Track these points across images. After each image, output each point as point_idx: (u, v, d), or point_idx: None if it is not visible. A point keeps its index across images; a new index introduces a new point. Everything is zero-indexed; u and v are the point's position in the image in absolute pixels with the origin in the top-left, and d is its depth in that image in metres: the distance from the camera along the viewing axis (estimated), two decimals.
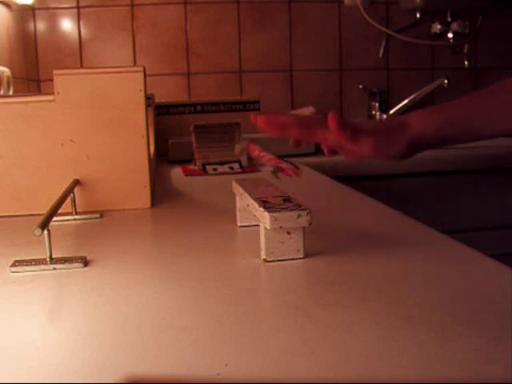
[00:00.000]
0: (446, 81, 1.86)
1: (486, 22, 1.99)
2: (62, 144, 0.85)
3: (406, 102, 1.88)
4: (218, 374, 0.38)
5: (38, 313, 0.50)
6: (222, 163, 1.23)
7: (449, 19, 1.95)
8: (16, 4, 1.63)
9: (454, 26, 1.94)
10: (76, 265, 0.62)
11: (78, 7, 1.81)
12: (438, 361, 0.39)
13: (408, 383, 0.37)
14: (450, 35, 1.96)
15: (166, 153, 1.38)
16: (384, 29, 1.96)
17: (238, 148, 0.97)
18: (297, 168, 0.73)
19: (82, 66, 1.81)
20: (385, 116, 1.89)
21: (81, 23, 1.82)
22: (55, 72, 0.85)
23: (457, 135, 0.88)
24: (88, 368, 0.40)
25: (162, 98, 1.58)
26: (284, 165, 0.73)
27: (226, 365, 0.39)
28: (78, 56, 1.82)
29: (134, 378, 0.38)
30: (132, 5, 1.83)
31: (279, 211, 0.59)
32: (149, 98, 1.33)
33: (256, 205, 0.62)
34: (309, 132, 0.79)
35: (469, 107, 0.90)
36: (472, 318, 0.46)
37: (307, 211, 0.59)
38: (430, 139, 0.85)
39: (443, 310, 0.48)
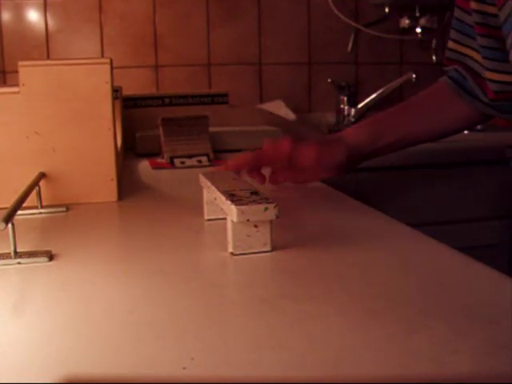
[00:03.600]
0: (414, 75, 1.88)
1: (453, 17, 2.00)
2: (27, 137, 0.84)
3: (374, 96, 1.89)
4: (184, 368, 0.38)
5: (1, 309, 0.50)
6: (189, 156, 1.22)
7: (417, 14, 1.97)
8: None
9: (423, 21, 1.96)
10: (41, 259, 0.61)
11: None
12: (404, 352, 0.40)
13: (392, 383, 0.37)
14: (419, 30, 1.98)
15: (134, 146, 1.37)
16: (353, 23, 1.96)
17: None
18: None
19: (48, 58, 1.78)
20: (353, 110, 1.90)
21: (47, 14, 1.79)
22: (20, 63, 0.83)
23: (392, 143, 0.99)
24: (50, 365, 0.39)
25: (129, 90, 1.56)
26: None
27: (192, 359, 0.39)
28: (45, 47, 1.80)
29: (75, 377, 0.38)
30: None
31: (246, 204, 0.59)
32: (116, 91, 1.32)
33: (223, 198, 0.62)
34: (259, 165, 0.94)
35: (400, 117, 1.02)
36: (438, 310, 0.46)
37: (274, 204, 0.59)
38: (367, 149, 0.97)
39: (409, 301, 0.48)
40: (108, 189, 0.87)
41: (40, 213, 0.82)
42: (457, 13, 0.96)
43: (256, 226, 0.60)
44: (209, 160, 1.22)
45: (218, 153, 1.30)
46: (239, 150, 1.33)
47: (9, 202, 0.65)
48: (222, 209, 0.64)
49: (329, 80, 1.94)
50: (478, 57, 0.95)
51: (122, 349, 0.41)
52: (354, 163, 0.97)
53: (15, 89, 0.83)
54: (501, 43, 0.88)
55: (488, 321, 0.44)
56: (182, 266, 0.59)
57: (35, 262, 0.61)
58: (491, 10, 0.87)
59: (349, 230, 0.71)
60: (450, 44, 1.00)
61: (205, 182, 0.72)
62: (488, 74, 0.93)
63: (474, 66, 0.97)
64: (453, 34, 0.98)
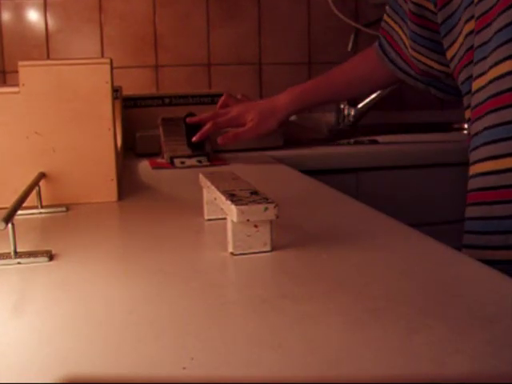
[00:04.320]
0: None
1: None
2: (27, 137, 0.84)
3: (374, 96, 1.89)
4: (184, 368, 0.38)
5: (1, 309, 0.50)
6: (189, 156, 1.22)
7: None
8: None
9: None
10: (41, 259, 0.61)
11: None
12: (404, 352, 0.40)
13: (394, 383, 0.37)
14: None
15: (134, 146, 1.37)
16: (353, 23, 1.96)
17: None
18: None
19: (48, 58, 1.78)
20: (353, 110, 1.90)
21: (47, 14, 1.79)
22: (20, 63, 0.83)
23: (314, 106, 1.35)
24: (50, 365, 0.39)
25: (129, 90, 1.56)
26: None
27: (192, 359, 0.39)
28: (45, 47, 1.80)
29: (75, 377, 0.38)
30: None
31: (246, 204, 0.59)
32: (116, 91, 1.32)
33: (223, 198, 0.62)
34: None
35: (326, 88, 1.29)
36: (438, 310, 0.46)
37: (274, 204, 0.59)
38: (293, 114, 1.31)
39: (409, 301, 0.48)
40: (108, 189, 0.87)
41: (40, 213, 0.82)
42: None
43: (256, 226, 0.60)
44: (209, 160, 1.22)
45: (218, 153, 1.30)
46: (239, 150, 1.34)
47: (9, 202, 0.65)
48: (221, 209, 0.64)
49: None
50: (403, 36, 1.07)
51: (121, 349, 0.41)
52: (282, 125, 1.30)
53: (15, 89, 0.83)
54: (432, 34, 0.97)
55: (488, 321, 0.44)
56: (181, 266, 0.59)
57: (35, 262, 0.61)
58: (430, 6, 0.94)
59: (349, 230, 0.71)
60: (385, 16, 1.15)
61: (205, 182, 0.72)
62: (413, 54, 1.03)
63: (399, 41, 1.10)
64: (387, 8, 1.13)
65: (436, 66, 1.01)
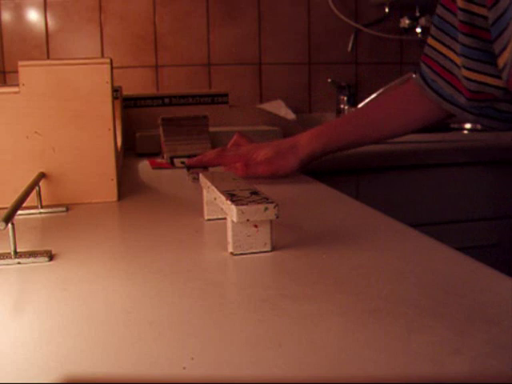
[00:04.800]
0: (413, 75, 1.87)
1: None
2: (27, 137, 0.84)
3: (374, 96, 1.89)
4: (184, 368, 0.38)
5: (1, 309, 0.50)
6: (189, 156, 1.22)
7: (417, 14, 1.97)
8: None
9: (423, 20, 1.96)
10: (41, 259, 0.61)
11: None
12: (404, 352, 0.39)
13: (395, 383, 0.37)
14: (419, 30, 1.98)
15: (134, 146, 1.37)
16: (353, 23, 1.96)
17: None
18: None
19: (48, 58, 1.78)
20: (353, 110, 1.90)
21: (47, 14, 1.79)
22: (20, 63, 0.83)
23: (341, 148, 1.09)
24: (50, 365, 0.39)
25: (129, 90, 1.57)
26: None
27: (192, 359, 0.39)
28: (45, 47, 1.80)
29: (75, 377, 0.38)
30: None
31: (246, 204, 0.59)
32: (116, 91, 1.32)
33: (223, 198, 0.62)
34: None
35: (346, 125, 1.10)
36: (438, 310, 0.46)
37: (274, 204, 0.59)
38: (317, 156, 1.06)
39: (409, 302, 0.48)
40: (108, 189, 0.87)
41: (40, 213, 0.82)
42: (439, 10, 0.99)
43: (256, 226, 0.60)
44: None
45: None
46: None
47: (9, 202, 0.65)
48: (221, 209, 0.64)
49: (329, 80, 1.94)
50: (453, 56, 0.96)
51: (121, 349, 0.41)
52: (305, 167, 1.07)
53: (15, 89, 0.83)
54: (483, 44, 0.89)
55: (488, 321, 0.44)
56: (181, 265, 0.59)
57: (35, 262, 0.61)
58: (479, 10, 0.87)
59: (349, 230, 0.71)
60: (429, 40, 1.02)
61: (205, 182, 0.72)
62: (465, 73, 0.94)
63: (447, 65, 0.98)
64: (433, 30, 1.01)
65: (490, 80, 0.91)
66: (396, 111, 1.08)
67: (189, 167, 1.07)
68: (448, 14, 0.96)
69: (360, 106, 1.81)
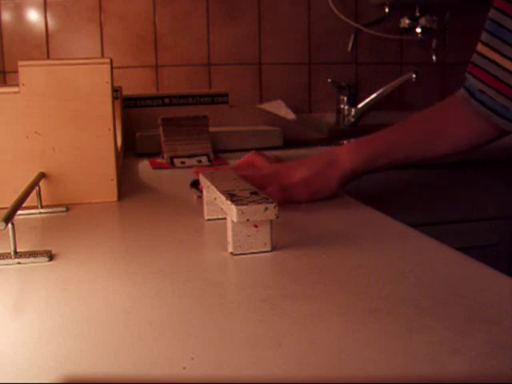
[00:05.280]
0: (414, 75, 1.88)
1: (453, 17, 2.01)
2: (28, 136, 0.84)
3: (374, 96, 1.89)
4: (184, 368, 0.38)
5: (1, 309, 0.50)
6: (189, 156, 1.22)
7: (417, 14, 1.97)
8: None
9: (423, 20, 1.96)
10: (41, 259, 0.61)
11: None
12: (404, 352, 0.39)
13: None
14: (419, 30, 1.98)
15: (134, 146, 1.37)
16: (353, 23, 1.96)
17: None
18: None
19: (48, 58, 1.78)
20: (353, 110, 1.90)
21: (47, 14, 1.79)
22: (20, 63, 0.83)
23: (387, 165, 0.92)
24: (50, 365, 0.39)
25: (129, 90, 1.56)
26: None
27: (193, 359, 0.39)
28: (45, 47, 1.80)
29: (75, 377, 0.38)
30: None
31: (246, 204, 0.59)
32: (116, 91, 1.32)
33: (223, 198, 0.62)
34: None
35: (392, 139, 0.93)
36: (438, 311, 0.46)
37: (274, 204, 0.59)
38: (359, 173, 0.90)
39: (409, 302, 0.48)
40: (108, 189, 0.87)
41: (40, 213, 0.82)
42: (493, 14, 0.87)
43: (256, 226, 0.60)
44: (209, 160, 1.22)
45: (217, 153, 1.30)
46: (239, 150, 1.34)
47: (9, 202, 0.65)
48: (221, 209, 0.64)
49: (329, 80, 1.94)
50: (508, 64, 0.85)
51: (122, 349, 0.41)
52: (344, 186, 0.91)
53: (15, 89, 0.83)
54: None
55: (488, 321, 0.44)
56: (181, 265, 0.59)
57: (35, 262, 0.61)
58: None
59: (349, 230, 0.71)
60: (479, 47, 0.89)
61: (205, 182, 0.72)
62: None
63: (499, 74, 0.87)
64: (484, 36, 0.89)
65: None
66: (438, 128, 0.94)
67: (196, 183, 0.91)
68: (504, 17, 0.85)
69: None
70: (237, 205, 0.59)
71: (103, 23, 1.82)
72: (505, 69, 0.86)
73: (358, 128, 1.85)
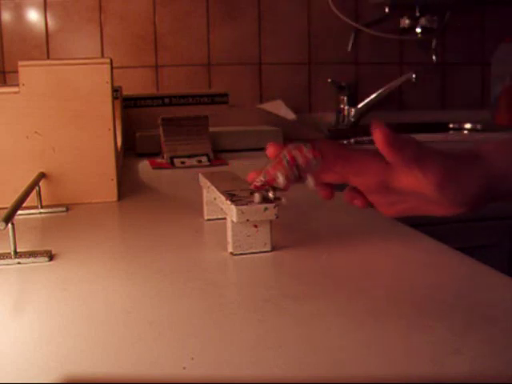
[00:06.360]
0: (413, 75, 1.87)
1: (453, 17, 2.01)
2: (28, 136, 0.84)
3: (374, 96, 1.89)
4: (184, 368, 0.38)
5: (1, 309, 0.50)
6: (189, 156, 1.22)
7: (417, 14, 1.97)
8: None
9: (423, 21, 1.96)
10: (41, 259, 0.61)
11: None
12: (404, 352, 0.39)
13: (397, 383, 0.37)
14: (419, 30, 1.98)
15: (134, 146, 1.37)
16: (353, 23, 1.96)
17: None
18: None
19: (48, 58, 1.78)
20: (353, 110, 1.90)
21: (47, 14, 1.79)
22: (20, 63, 0.83)
23: None
24: (50, 365, 0.39)
25: (129, 90, 1.56)
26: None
27: (193, 359, 0.39)
28: (45, 47, 1.80)
29: (75, 377, 0.38)
30: None
31: (246, 204, 0.59)
32: (116, 91, 1.32)
33: (223, 198, 0.62)
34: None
35: None
36: (438, 311, 0.46)
37: (274, 204, 0.59)
38: None
39: (409, 302, 0.48)
40: (108, 189, 0.87)
41: (40, 213, 0.82)
42: None
43: (256, 226, 0.60)
44: (209, 160, 1.22)
45: (217, 153, 1.30)
46: (239, 150, 1.34)
47: (9, 202, 0.65)
48: (221, 209, 0.64)
49: (329, 80, 1.94)
50: None
51: (122, 349, 0.41)
52: (485, 200, 0.64)
53: (15, 89, 0.83)
54: None
55: (488, 321, 0.44)
56: (181, 265, 0.59)
57: (35, 262, 0.61)
58: None
59: (349, 230, 0.71)
60: None
61: (205, 182, 0.72)
62: None
63: None
64: None
65: None
66: None
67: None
68: None
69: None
70: (237, 205, 0.59)
71: (103, 23, 1.82)
72: None
73: (358, 128, 1.85)
